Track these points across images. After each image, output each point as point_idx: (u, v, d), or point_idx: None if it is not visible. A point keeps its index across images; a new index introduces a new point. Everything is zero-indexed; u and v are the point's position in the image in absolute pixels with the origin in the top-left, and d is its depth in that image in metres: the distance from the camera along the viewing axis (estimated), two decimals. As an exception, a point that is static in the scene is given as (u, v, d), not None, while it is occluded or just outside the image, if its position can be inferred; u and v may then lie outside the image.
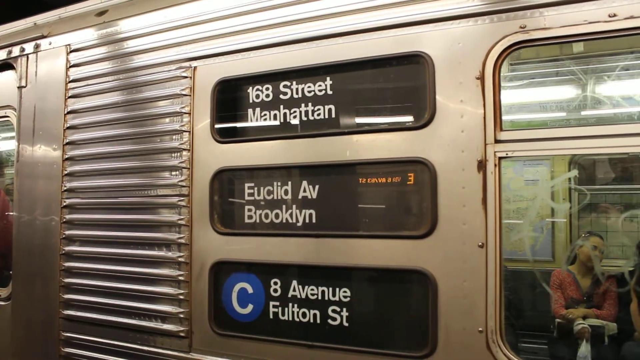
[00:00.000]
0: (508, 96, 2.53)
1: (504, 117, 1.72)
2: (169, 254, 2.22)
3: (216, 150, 2.13)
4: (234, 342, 2.07)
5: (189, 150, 2.18)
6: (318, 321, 1.90)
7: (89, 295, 2.47)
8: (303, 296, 1.94)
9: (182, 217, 2.18)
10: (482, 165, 1.68)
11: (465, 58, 1.75)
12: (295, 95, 2.03)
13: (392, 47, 1.87)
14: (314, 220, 1.94)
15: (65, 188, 2.57)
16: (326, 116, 1.97)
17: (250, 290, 2.05)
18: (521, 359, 1.64)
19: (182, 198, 2.18)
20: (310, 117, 1.99)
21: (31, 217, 2.70)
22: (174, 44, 2.31)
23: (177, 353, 2.19)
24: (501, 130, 1.69)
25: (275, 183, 2.02)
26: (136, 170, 2.36)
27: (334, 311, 1.87)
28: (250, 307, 2.04)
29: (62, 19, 2.82)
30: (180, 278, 2.17)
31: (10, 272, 3.15)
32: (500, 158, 1.67)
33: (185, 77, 2.23)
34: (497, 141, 1.67)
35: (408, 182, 1.84)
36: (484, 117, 1.70)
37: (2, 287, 2.97)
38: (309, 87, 2.00)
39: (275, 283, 2.00)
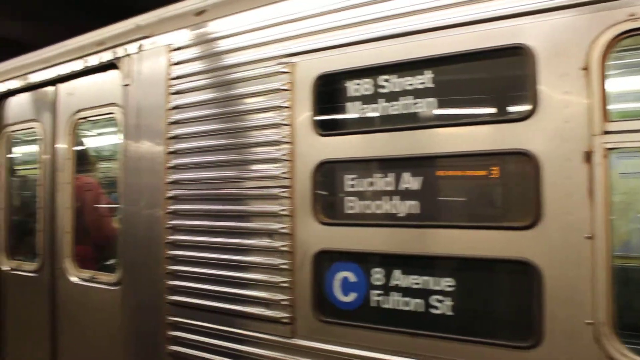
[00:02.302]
0: (617, 85, 2.57)
1: (613, 108, 1.81)
2: (272, 244, 2.44)
3: (317, 143, 2.33)
4: (337, 329, 2.26)
5: (290, 142, 2.39)
6: (421, 310, 2.07)
7: (193, 282, 2.76)
8: (405, 285, 2.11)
9: (284, 207, 2.40)
10: (588, 157, 1.78)
11: (569, 49, 1.84)
12: (394, 89, 2.19)
13: (492, 40, 1.98)
14: (415, 211, 2.10)
15: (168, 180, 2.88)
16: (426, 109, 2.12)
17: (352, 278, 2.24)
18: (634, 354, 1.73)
19: (284, 189, 2.40)
20: (410, 110, 2.15)
21: (137, 208, 3.04)
22: (273, 41, 2.53)
23: (280, 339, 2.43)
24: (609, 121, 1.77)
25: (376, 175, 2.19)
26: (237, 163, 2.61)
27: (437, 300, 2.03)
28: (352, 295, 2.24)
29: (162, 20, 3.12)
30: (283, 266, 2.40)
31: (111, 260, 3.55)
32: (608, 149, 1.76)
33: (285, 72, 2.45)
34: (604, 132, 1.76)
35: (511, 174, 1.97)
36: (590, 108, 1.78)
37: (109, 273, 3.36)
38: (408, 80, 2.16)
39: (377, 272, 2.18)
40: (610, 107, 1.81)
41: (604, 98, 1.78)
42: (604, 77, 1.79)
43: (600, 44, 1.78)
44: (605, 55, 1.79)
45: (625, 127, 1.77)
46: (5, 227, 4.24)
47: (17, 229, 4.28)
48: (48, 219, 3.79)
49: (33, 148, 4.15)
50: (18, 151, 4.43)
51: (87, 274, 3.54)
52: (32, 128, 4.05)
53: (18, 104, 4.21)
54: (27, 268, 4.01)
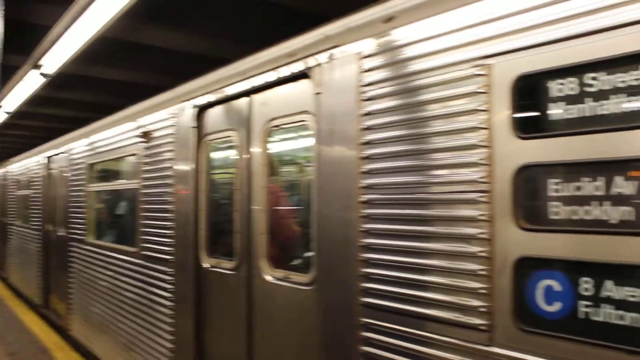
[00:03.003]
0: None
1: None
2: (469, 249, 2.45)
3: (517, 146, 2.29)
4: (539, 339, 2.21)
5: (488, 146, 2.39)
6: (638, 326, 1.95)
7: (386, 285, 2.86)
8: (619, 298, 2.01)
9: (482, 212, 2.40)
10: None
11: None
12: (603, 87, 2.10)
13: None
14: (630, 218, 1.99)
15: (362, 185, 3.02)
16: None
17: (556, 287, 2.17)
18: None
19: (482, 194, 2.40)
20: (622, 110, 2.04)
21: (330, 211, 3.23)
22: (466, 44, 2.53)
23: (476, 346, 2.42)
24: None
25: (583, 179, 2.11)
26: (429, 167, 2.66)
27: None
28: (556, 305, 2.17)
29: (350, 29, 3.28)
30: (481, 272, 2.39)
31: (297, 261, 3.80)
32: None
33: (481, 74, 2.46)
34: None
35: None
36: None
37: (303, 273, 3.61)
38: (620, 77, 2.05)
39: (585, 282, 2.10)
40: None
41: None
42: None
43: None
44: None
45: None
46: (206, 228, 4.74)
47: (215, 229, 4.76)
48: (244, 221, 4.17)
49: (229, 155, 4.60)
50: (216, 158, 4.93)
51: (280, 273, 3.83)
52: (228, 136, 4.48)
53: (216, 115, 4.69)
54: (225, 266, 4.44)
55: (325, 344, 3.26)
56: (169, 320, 5.13)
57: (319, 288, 3.31)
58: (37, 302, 10.75)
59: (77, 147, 8.37)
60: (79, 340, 7.89)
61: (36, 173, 11.27)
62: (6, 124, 15.55)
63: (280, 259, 4.03)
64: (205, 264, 4.68)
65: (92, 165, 7.72)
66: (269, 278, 3.90)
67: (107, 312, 6.74)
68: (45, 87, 9.55)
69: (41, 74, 7.91)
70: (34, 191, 11.42)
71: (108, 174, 7.81)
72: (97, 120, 7.87)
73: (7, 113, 12.15)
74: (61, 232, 9.05)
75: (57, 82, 9.58)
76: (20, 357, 7.51)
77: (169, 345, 5.10)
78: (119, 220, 7.32)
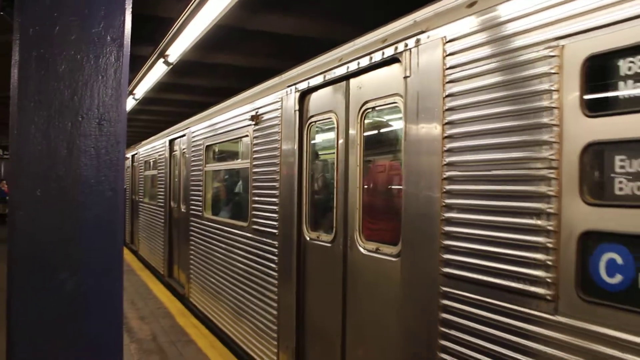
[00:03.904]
0: None
1: None
2: (539, 222, 2.60)
3: (585, 125, 2.40)
4: (600, 309, 2.33)
5: (558, 125, 2.52)
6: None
7: (465, 257, 3.06)
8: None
9: (551, 188, 2.54)
10: None
11: None
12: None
13: None
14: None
15: (444, 162, 3.22)
16: None
17: (619, 260, 2.29)
18: None
19: (552, 170, 2.53)
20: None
21: (417, 188, 3.47)
22: (540, 26, 2.65)
23: (543, 314, 2.57)
24: None
25: (648, 155, 2.21)
26: (507, 145, 2.81)
27: None
28: (618, 277, 2.29)
29: (436, 14, 3.46)
30: (549, 245, 2.53)
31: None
32: None
33: (553, 55, 2.58)
34: None
35: None
36: None
37: (393, 245, 3.89)
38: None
39: (648, 255, 2.20)
40: None
41: None
42: None
43: None
44: None
45: None
46: (308, 204, 5.14)
47: (316, 205, 5.15)
48: (342, 197, 4.51)
49: (330, 136, 4.95)
50: (317, 139, 5.30)
51: (372, 245, 4.13)
52: (329, 119, 4.82)
53: (316, 99, 5.05)
54: (324, 239, 4.81)
55: (409, 310, 3.52)
56: (274, 288, 5.61)
57: (404, 259, 3.58)
58: (162, 272, 11.85)
59: (196, 130, 9.14)
60: (197, 306, 8.70)
61: (160, 155, 12.36)
62: (136, 110, 17.02)
63: (372, 232, 4.31)
64: (307, 236, 5.08)
65: (208, 146, 8.42)
66: (362, 250, 4.21)
67: (221, 281, 7.40)
68: (169, 74, 10.33)
69: (165, 62, 8.56)
70: (158, 171, 12.55)
71: (223, 155, 8.50)
72: (215, 104, 8.55)
73: (135, 100, 13.12)
74: (182, 209, 9.92)
75: (179, 69, 10.36)
76: (148, 320, 8.24)
77: (274, 311, 5.59)
78: (232, 197, 7.97)
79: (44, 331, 2.00)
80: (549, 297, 2.54)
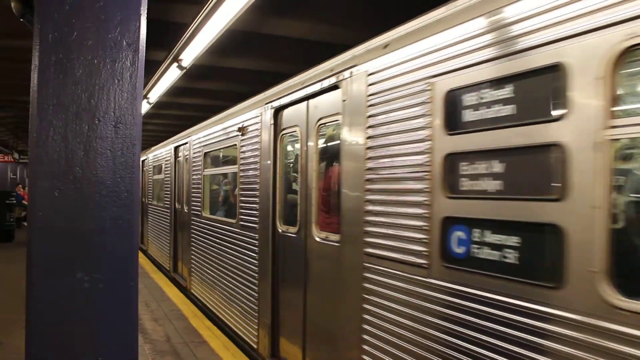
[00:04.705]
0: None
1: None
2: (420, 211, 3.56)
3: (446, 140, 3.36)
4: (454, 272, 3.31)
5: (430, 140, 3.47)
6: (497, 259, 3.00)
7: (377, 239, 4.03)
8: (491, 242, 3.06)
9: (427, 186, 3.48)
10: None
11: None
12: (489, 99, 3.12)
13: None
14: (500, 188, 3.02)
15: (366, 167, 4.22)
16: (507, 114, 3.01)
17: (463, 236, 3.26)
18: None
19: (427, 173, 3.47)
20: (504, 114, 3.06)
21: (349, 188, 4.44)
22: (421, 67, 3.57)
23: (421, 278, 3.54)
24: None
25: (478, 162, 3.17)
26: (403, 153, 3.72)
27: (508, 253, 2.95)
28: (462, 248, 3.26)
29: (365, 52, 4.44)
30: (425, 227, 3.50)
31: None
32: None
33: (428, 89, 3.54)
34: None
35: None
36: None
37: (337, 234, 4.87)
38: (498, 93, 3.07)
39: (476, 232, 3.16)
40: None
41: None
42: None
43: None
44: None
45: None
46: (280, 203, 6.15)
47: (287, 204, 6.16)
48: (303, 197, 5.51)
49: (297, 146, 5.95)
50: (287, 148, 6.31)
51: (324, 234, 5.13)
52: (295, 131, 5.83)
53: (287, 115, 6.06)
54: (291, 231, 5.82)
55: (345, 279, 4.50)
56: (256, 275, 6.63)
57: (342, 243, 4.57)
58: (167, 268, 12.94)
59: (196, 138, 10.18)
60: (197, 296, 9.73)
61: (167, 161, 13.46)
62: (150, 114, 17.41)
63: (325, 225, 5.29)
64: (279, 229, 6.08)
65: (206, 153, 9.46)
66: (317, 239, 5.20)
67: (215, 272, 8.44)
68: (182, 78, 10.55)
69: (178, 66, 8.77)
70: (165, 176, 13.69)
71: (218, 161, 9.53)
72: (227, 108, 8.93)
73: (150, 104, 13.28)
74: (185, 209, 10.96)
75: (192, 73, 10.62)
76: (162, 322, 8.41)
77: (255, 294, 6.61)
78: (226, 198, 9.00)
79: (61, 330, 2.02)
80: (424, 266, 3.51)
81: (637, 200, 2.71)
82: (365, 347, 4.15)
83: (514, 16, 2.98)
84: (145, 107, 13.92)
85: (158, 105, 14.56)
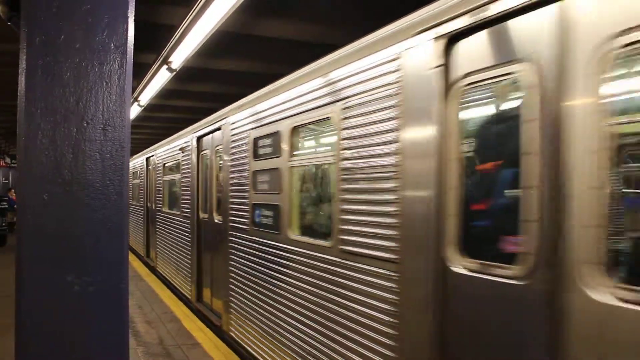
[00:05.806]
0: None
1: None
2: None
3: (254, 163, 6.47)
4: (255, 231, 6.37)
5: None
6: (264, 222, 6.11)
7: (235, 216, 7.17)
8: (264, 214, 6.14)
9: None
10: None
11: None
12: (268, 142, 6.21)
13: None
14: (266, 188, 6.13)
15: (228, 179, 7.29)
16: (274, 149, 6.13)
17: (258, 212, 6.37)
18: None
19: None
20: (267, 151, 6.17)
21: (220, 191, 7.56)
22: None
23: (245, 236, 6.57)
24: None
25: (260, 176, 6.25)
26: (238, 175, 6.84)
27: (265, 218, 6.10)
28: (258, 218, 6.33)
29: (231, 109, 7.39)
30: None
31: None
32: None
33: (249, 136, 6.62)
34: None
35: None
36: None
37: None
38: (266, 141, 6.15)
39: (258, 210, 6.27)
40: None
41: None
42: None
43: None
44: None
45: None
46: (202, 199, 9.25)
47: (205, 200, 9.16)
48: (210, 195, 8.68)
49: (207, 162, 9.10)
50: (205, 163, 9.39)
51: (219, 217, 8.16)
52: (206, 153, 8.90)
53: (204, 141, 9.01)
54: (206, 217, 8.95)
55: (224, 244, 7.64)
56: (189, 249, 9.82)
57: (223, 222, 7.79)
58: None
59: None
60: (164, 277, 12.07)
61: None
62: (142, 117, 16.33)
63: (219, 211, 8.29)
64: (201, 216, 9.25)
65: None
66: (216, 220, 8.29)
67: (169, 249, 11.52)
68: (173, 81, 10.29)
69: (168, 68, 8.58)
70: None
71: (170, 171, 12.33)
72: (212, 113, 8.64)
73: (141, 106, 12.72)
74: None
75: (183, 76, 10.55)
76: (155, 325, 8.43)
77: (189, 262, 9.85)
78: (172, 193, 11.92)
79: (51, 332, 1.99)
80: (246, 228, 6.64)
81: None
82: (231, 284, 6.91)
83: (269, 107, 5.93)
84: (136, 110, 13.35)
85: (150, 108, 13.98)
